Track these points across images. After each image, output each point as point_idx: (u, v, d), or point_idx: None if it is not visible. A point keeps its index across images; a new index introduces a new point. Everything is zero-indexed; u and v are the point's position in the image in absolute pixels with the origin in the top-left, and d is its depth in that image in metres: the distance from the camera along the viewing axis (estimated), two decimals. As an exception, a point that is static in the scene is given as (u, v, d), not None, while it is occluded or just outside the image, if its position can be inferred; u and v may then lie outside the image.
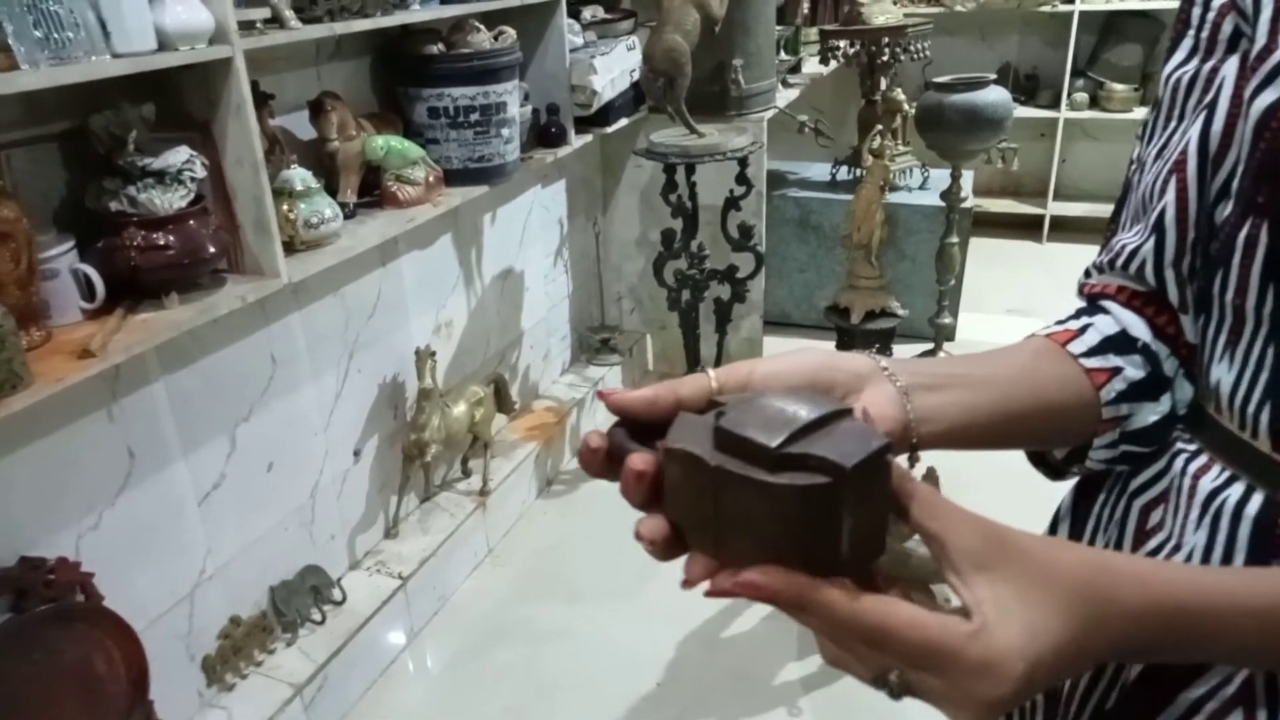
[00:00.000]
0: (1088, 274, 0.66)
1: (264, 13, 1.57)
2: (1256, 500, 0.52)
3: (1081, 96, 4.43)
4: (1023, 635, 0.40)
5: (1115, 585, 0.42)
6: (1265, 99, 0.48)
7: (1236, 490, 0.53)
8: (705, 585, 0.42)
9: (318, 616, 2.00)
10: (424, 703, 2.05)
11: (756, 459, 0.40)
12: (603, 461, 0.46)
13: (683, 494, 0.43)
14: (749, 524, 0.40)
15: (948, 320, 3.36)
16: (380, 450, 2.25)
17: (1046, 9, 4.29)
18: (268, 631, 1.92)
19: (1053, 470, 0.67)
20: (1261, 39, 0.49)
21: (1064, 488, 0.70)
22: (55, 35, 1.19)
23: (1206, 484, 0.55)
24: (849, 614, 0.40)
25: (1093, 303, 0.63)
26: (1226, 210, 0.54)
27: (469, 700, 2.04)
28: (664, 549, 0.44)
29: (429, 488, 2.47)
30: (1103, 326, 0.60)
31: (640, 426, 0.47)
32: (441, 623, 2.27)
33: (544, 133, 2.47)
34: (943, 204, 3.18)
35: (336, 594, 2.07)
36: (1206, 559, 0.54)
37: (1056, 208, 4.62)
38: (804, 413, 0.41)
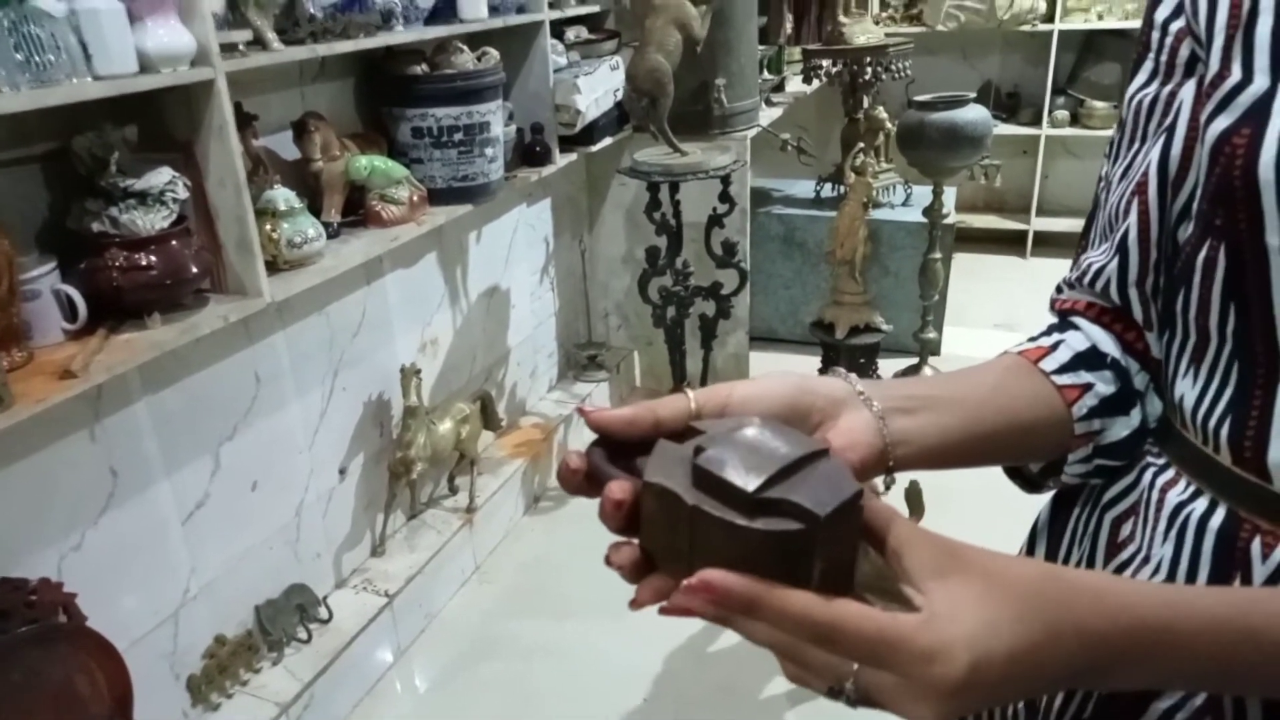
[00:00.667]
0: (1059, 290, 0.67)
1: (246, 35, 1.57)
2: (1220, 514, 0.53)
3: (1062, 114, 4.48)
4: (973, 629, 0.40)
5: (1070, 597, 0.42)
6: (1219, 125, 0.49)
7: (1201, 504, 0.54)
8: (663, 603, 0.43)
9: (304, 635, 1.99)
10: (410, 722, 2.04)
11: (733, 501, 0.41)
12: (581, 482, 0.47)
13: (658, 526, 0.44)
14: (722, 561, 0.41)
15: (932, 335, 3.38)
16: (366, 468, 2.25)
17: (1027, 28, 4.33)
18: (253, 650, 1.91)
19: (1029, 484, 0.67)
20: (1214, 65, 0.51)
21: (1045, 501, 0.71)
22: (36, 58, 1.19)
23: (1173, 497, 0.56)
24: (801, 611, 0.40)
25: (1064, 318, 0.64)
26: (1188, 231, 0.55)
27: (457, 717, 2.03)
28: (634, 573, 0.45)
29: (415, 505, 2.46)
30: (1074, 343, 0.61)
31: (619, 445, 0.48)
32: (429, 640, 2.26)
33: (528, 152, 2.48)
34: (925, 220, 3.21)
35: (323, 612, 2.06)
36: (1173, 571, 0.55)
37: (1040, 223, 4.67)
38: (782, 452, 0.42)
